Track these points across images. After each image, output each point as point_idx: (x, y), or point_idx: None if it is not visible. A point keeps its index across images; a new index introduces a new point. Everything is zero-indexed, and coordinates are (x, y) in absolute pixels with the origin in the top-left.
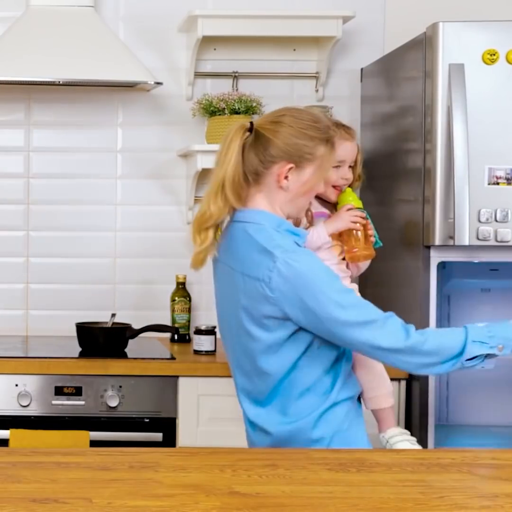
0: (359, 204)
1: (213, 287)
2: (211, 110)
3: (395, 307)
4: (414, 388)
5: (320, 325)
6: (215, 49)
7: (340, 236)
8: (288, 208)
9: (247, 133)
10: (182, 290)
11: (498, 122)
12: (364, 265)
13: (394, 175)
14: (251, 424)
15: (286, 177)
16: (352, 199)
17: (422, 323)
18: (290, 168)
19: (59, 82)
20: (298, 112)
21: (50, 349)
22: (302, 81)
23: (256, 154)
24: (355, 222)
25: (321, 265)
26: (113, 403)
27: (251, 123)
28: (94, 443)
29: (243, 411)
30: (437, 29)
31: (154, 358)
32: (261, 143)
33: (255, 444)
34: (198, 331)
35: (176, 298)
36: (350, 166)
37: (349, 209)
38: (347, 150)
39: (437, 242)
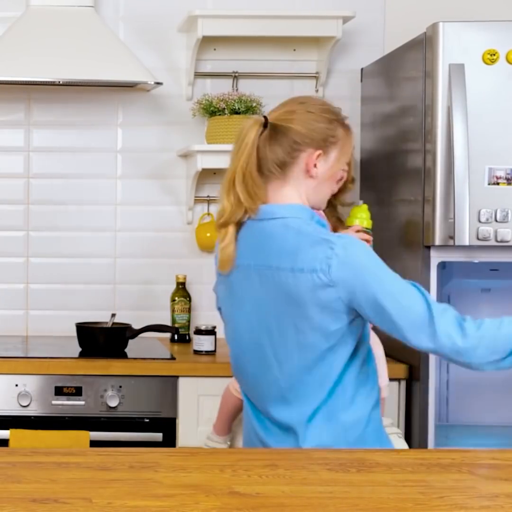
0: (370, 224)
1: (219, 298)
2: (211, 110)
3: None
4: (414, 388)
5: (381, 309)
6: (215, 49)
7: None
8: (314, 198)
9: (262, 128)
10: (182, 290)
11: (498, 122)
12: None
13: (394, 175)
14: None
15: (315, 165)
16: (365, 217)
17: None
18: (319, 155)
19: (59, 82)
20: (308, 98)
21: (50, 349)
22: (302, 81)
23: (280, 145)
24: None
25: (372, 251)
26: (113, 403)
27: (265, 117)
28: (94, 443)
29: (273, 419)
30: (437, 29)
31: (154, 358)
32: (283, 134)
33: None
34: (198, 331)
35: (176, 298)
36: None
37: (357, 231)
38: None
39: (437, 242)
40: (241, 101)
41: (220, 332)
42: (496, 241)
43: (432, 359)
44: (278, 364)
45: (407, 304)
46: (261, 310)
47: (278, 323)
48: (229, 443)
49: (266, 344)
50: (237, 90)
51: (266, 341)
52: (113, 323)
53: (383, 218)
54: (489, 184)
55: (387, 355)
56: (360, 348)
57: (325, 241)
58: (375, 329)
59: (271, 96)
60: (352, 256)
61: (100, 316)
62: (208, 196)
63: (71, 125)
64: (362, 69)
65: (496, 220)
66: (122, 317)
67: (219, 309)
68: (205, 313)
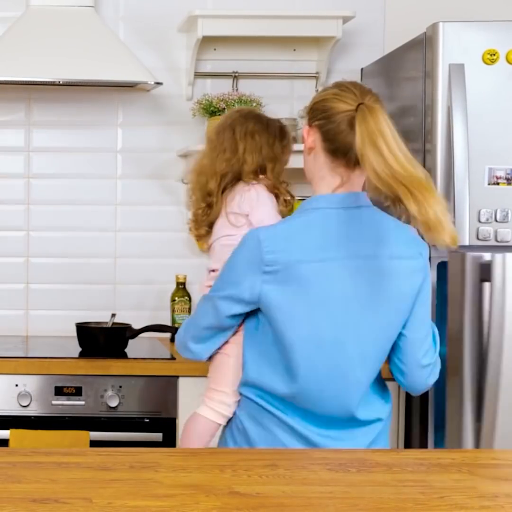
0: None
1: (271, 303)
2: (211, 110)
3: None
4: None
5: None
6: (215, 49)
7: None
8: None
9: None
10: (182, 290)
11: (498, 122)
12: None
13: None
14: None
15: None
16: None
17: None
18: None
19: (59, 82)
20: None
21: (50, 349)
22: (302, 81)
23: None
24: None
25: None
26: (113, 403)
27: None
28: (94, 443)
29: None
30: (437, 29)
31: (154, 358)
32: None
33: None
34: None
35: (176, 298)
36: None
37: None
38: None
39: None
40: (241, 101)
41: None
42: (496, 241)
43: None
44: (361, 360)
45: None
46: (349, 305)
47: (366, 317)
48: None
49: (350, 341)
50: (237, 90)
51: (351, 338)
52: (113, 323)
53: None
54: (489, 184)
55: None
56: None
57: (406, 226)
58: None
59: (271, 96)
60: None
61: (100, 316)
62: None
63: (71, 125)
64: (362, 69)
65: (496, 220)
66: (122, 317)
67: (240, 315)
68: None
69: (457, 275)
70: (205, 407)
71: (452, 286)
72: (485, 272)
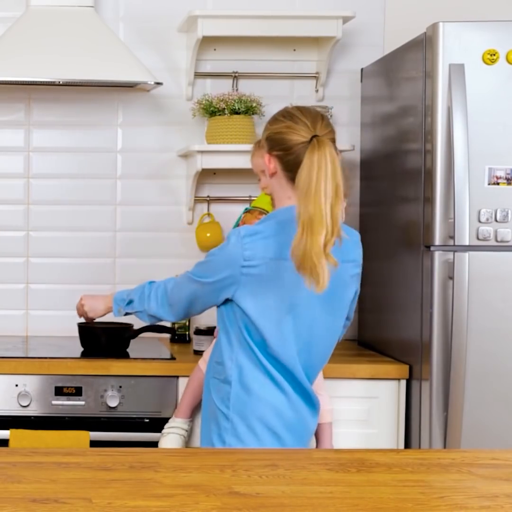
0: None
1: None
2: (211, 110)
3: (395, 307)
4: (414, 388)
5: None
6: (215, 49)
7: None
8: None
9: None
10: None
11: (498, 122)
12: None
13: (394, 175)
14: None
15: None
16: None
17: (423, 323)
18: None
19: (59, 82)
20: None
21: (50, 349)
22: (302, 81)
23: None
24: None
25: None
26: (113, 403)
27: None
28: (94, 443)
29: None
30: (437, 29)
31: (154, 358)
32: None
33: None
34: (198, 331)
35: None
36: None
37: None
38: None
39: (437, 242)
40: (241, 101)
41: None
42: (496, 241)
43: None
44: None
45: None
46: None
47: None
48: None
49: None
50: (237, 90)
51: (321, 327)
52: (114, 323)
53: (383, 218)
54: (489, 184)
55: (388, 355)
56: None
57: (353, 231)
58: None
59: (271, 96)
60: None
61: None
62: (208, 196)
63: (71, 125)
64: (362, 69)
65: (496, 220)
66: (122, 317)
67: None
68: (205, 313)
69: (427, 272)
70: (203, 361)
71: (424, 283)
72: (452, 270)
